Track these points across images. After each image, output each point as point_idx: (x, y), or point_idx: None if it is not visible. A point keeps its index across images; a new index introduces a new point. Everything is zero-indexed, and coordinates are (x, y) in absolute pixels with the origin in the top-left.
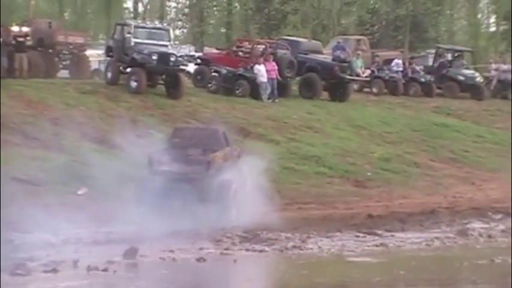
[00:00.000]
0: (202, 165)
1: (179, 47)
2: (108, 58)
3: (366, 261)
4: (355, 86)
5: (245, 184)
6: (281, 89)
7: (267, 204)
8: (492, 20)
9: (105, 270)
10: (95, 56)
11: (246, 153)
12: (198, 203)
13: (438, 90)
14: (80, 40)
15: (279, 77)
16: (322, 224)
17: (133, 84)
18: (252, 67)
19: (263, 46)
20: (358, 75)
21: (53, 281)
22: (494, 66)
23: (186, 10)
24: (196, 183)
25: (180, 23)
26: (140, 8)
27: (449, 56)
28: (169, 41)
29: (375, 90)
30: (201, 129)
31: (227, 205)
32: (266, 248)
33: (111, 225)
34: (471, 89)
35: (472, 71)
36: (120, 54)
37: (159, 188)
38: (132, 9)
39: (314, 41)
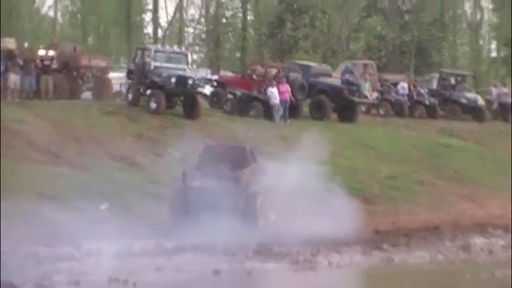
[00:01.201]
0: (232, 180)
1: (196, 70)
2: (129, 81)
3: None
4: (363, 108)
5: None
6: (292, 111)
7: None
8: (493, 45)
9: (125, 282)
10: (117, 78)
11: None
12: (228, 215)
13: (442, 112)
14: (102, 64)
15: (292, 98)
16: (331, 239)
17: (153, 105)
18: (265, 89)
19: (276, 70)
20: (365, 98)
21: None
22: (495, 89)
23: (203, 35)
24: (226, 198)
25: (197, 47)
26: (160, 33)
27: (452, 80)
28: (187, 64)
29: (381, 112)
30: (230, 146)
31: (255, 217)
32: (278, 261)
33: (133, 239)
34: (473, 111)
35: (474, 94)
36: (141, 77)
37: (192, 201)
38: (152, 35)
39: (324, 65)
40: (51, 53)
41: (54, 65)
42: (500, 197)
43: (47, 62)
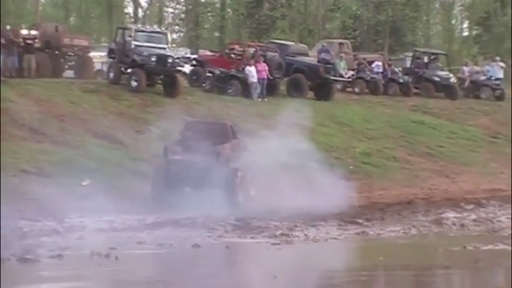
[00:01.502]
0: (213, 155)
1: (176, 50)
2: (111, 60)
3: (347, 248)
4: (339, 86)
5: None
6: (270, 89)
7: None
8: (465, 25)
9: (107, 256)
10: (98, 57)
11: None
12: (209, 190)
13: (415, 90)
14: (84, 43)
15: (269, 77)
16: (308, 214)
17: (134, 83)
18: (243, 68)
19: (254, 49)
20: (341, 76)
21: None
22: (466, 68)
23: (183, 15)
24: (206, 172)
25: (177, 27)
26: (140, 13)
27: (425, 59)
28: (167, 43)
29: (357, 90)
30: (211, 123)
31: (234, 192)
32: (256, 236)
33: (115, 214)
34: (446, 89)
35: (446, 73)
36: (122, 56)
37: (173, 176)
38: (132, 14)
39: (301, 45)
40: (34, 32)
41: (37, 44)
42: (471, 172)
43: (29, 42)
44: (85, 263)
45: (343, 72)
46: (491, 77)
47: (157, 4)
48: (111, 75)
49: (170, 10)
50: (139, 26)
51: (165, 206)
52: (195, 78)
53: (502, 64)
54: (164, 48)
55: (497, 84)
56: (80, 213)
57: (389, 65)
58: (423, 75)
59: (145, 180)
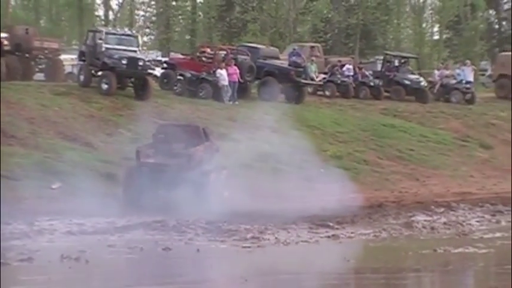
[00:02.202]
0: (185, 158)
1: (147, 52)
2: (81, 62)
3: (318, 250)
4: (310, 89)
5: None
6: (241, 92)
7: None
8: (436, 29)
9: (77, 259)
10: (69, 60)
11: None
12: (181, 193)
13: (386, 94)
14: (54, 45)
15: (240, 80)
16: (279, 217)
17: (104, 86)
18: (214, 71)
19: (225, 52)
20: (312, 79)
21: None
22: (437, 71)
23: (154, 18)
24: (179, 175)
25: (148, 30)
26: (111, 16)
27: (396, 62)
28: (137, 46)
29: (327, 93)
30: (183, 125)
31: (206, 194)
32: (226, 239)
33: (85, 217)
34: (416, 93)
35: (417, 76)
36: (92, 58)
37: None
38: (103, 17)
39: (272, 48)
40: (3, 35)
41: (7, 47)
42: (441, 176)
43: None
44: (55, 266)
45: (314, 76)
46: (461, 80)
47: (128, 7)
48: (82, 77)
49: (141, 13)
50: (110, 28)
51: (136, 209)
52: (166, 81)
53: (473, 67)
54: (135, 51)
55: (468, 88)
56: (50, 216)
57: (360, 69)
58: (394, 79)
59: (116, 183)
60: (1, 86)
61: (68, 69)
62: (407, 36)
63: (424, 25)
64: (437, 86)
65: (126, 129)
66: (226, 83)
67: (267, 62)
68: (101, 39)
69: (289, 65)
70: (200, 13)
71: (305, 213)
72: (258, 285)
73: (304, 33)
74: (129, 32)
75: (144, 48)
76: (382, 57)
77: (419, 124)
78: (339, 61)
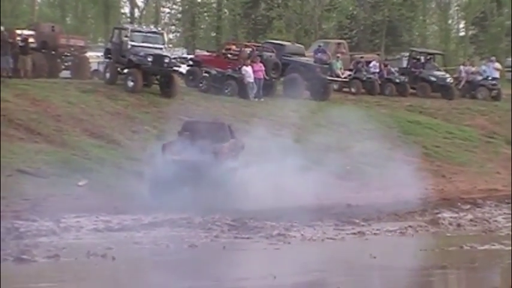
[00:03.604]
0: (211, 155)
1: (172, 50)
2: (107, 60)
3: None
4: (335, 86)
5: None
6: (266, 89)
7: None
8: (462, 25)
9: (103, 256)
10: (95, 57)
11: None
12: (206, 189)
13: (412, 90)
14: (80, 43)
15: (266, 77)
16: (305, 213)
17: (130, 83)
18: (239, 68)
19: (250, 49)
20: (337, 76)
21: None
22: (463, 68)
23: (179, 15)
24: (204, 172)
25: (173, 27)
26: (136, 13)
27: (422, 59)
28: (163, 44)
29: (353, 90)
30: (209, 122)
31: (232, 191)
32: (253, 236)
33: (111, 214)
34: (442, 89)
35: (442, 73)
36: (118, 56)
37: (171, 175)
38: (129, 14)
39: (297, 45)
40: (30, 32)
41: (33, 45)
42: (467, 172)
43: (24, 42)
44: (82, 263)
45: (339, 72)
46: (487, 77)
47: (154, 4)
48: (108, 75)
49: (167, 10)
50: (135, 26)
51: (162, 206)
52: (191, 78)
53: (498, 65)
54: (161, 49)
55: (494, 84)
56: (76, 213)
57: (386, 65)
58: (419, 75)
59: (142, 180)
60: (28, 84)
61: (93, 66)
62: (433, 33)
63: (449, 21)
64: (463, 83)
65: (152, 126)
66: (251, 80)
67: (292, 59)
68: (126, 36)
69: (315, 61)
70: (225, 10)
71: (331, 210)
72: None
73: (330, 30)
74: (154, 30)
75: (170, 45)
76: (407, 54)
77: (445, 121)
78: (361, 57)
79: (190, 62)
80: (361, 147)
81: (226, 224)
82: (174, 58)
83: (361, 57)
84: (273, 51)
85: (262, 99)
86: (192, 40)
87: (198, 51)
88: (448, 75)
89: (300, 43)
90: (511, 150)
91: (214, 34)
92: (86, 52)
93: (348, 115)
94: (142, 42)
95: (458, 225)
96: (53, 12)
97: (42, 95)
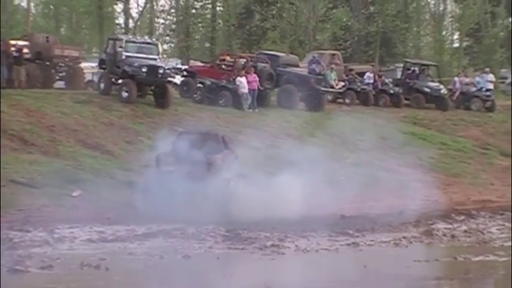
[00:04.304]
0: (205, 166)
1: (167, 60)
2: (101, 70)
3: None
4: (329, 97)
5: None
6: (261, 100)
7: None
8: (456, 36)
9: (97, 267)
10: (89, 68)
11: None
12: (200, 200)
13: (406, 101)
14: (75, 53)
15: (260, 87)
16: (299, 224)
17: (125, 94)
18: (234, 79)
19: (244, 60)
20: (332, 87)
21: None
22: (457, 79)
23: (173, 26)
24: (198, 183)
25: (167, 38)
26: (131, 24)
27: (416, 70)
28: (157, 54)
29: (347, 101)
30: (203, 133)
31: (226, 202)
32: (246, 247)
33: (105, 225)
34: (436, 100)
35: (437, 84)
36: (112, 66)
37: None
38: (123, 25)
39: (291, 55)
40: (23, 43)
41: (28, 55)
42: (462, 183)
43: (18, 53)
44: (75, 274)
45: (333, 83)
46: (481, 88)
47: (148, 15)
48: (102, 85)
49: (161, 21)
50: (130, 36)
51: (156, 217)
52: (185, 89)
53: (492, 77)
54: (155, 59)
55: (488, 96)
56: (70, 224)
57: (380, 76)
58: (414, 86)
59: (136, 190)
60: (22, 94)
61: (88, 77)
62: (427, 44)
63: (444, 33)
64: (457, 94)
65: (146, 137)
66: (246, 90)
67: (286, 69)
68: (121, 47)
69: (309, 72)
70: (220, 21)
71: (324, 221)
72: None
73: (324, 41)
74: (149, 40)
75: (164, 56)
76: (402, 65)
77: (439, 132)
78: (351, 69)
79: (185, 73)
80: (355, 158)
81: (220, 234)
82: (169, 69)
83: (351, 70)
84: (267, 62)
85: (256, 110)
86: (187, 51)
87: (193, 62)
88: (442, 86)
89: (294, 54)
90: (511, 162)
91: (209, 45)
92: (80, 63)
93: (342, 126)
94: (137, 52)
95: (452, 236)
96: (47, 22)
97: (36, 106)
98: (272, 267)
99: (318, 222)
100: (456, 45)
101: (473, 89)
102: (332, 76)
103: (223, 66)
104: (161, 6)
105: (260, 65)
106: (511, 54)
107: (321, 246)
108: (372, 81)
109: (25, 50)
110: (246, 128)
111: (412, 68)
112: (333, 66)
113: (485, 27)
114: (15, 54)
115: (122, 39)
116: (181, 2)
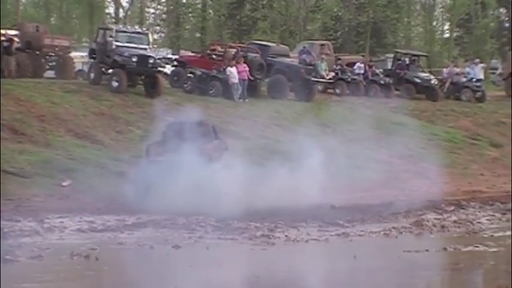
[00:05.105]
0: (195, 156)
1: (157, 50)
2: (91, 60)
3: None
4: (320, 87)
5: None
6: (251, 90)
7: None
8: (446, 27)
9: (87, 257)
10: (79, 57)
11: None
12: (189, 189)
13: (396, 92)
14: (65, 43)
15: (250, 77)
16: (289, 214)
17: (115, 84)
18: (224, 69)
19: (235, 50)
20: (322, 77)
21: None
22: (447, 69)
23: (164, 16)
24: (188, 173)
25: (158, 27)
26: (121, 14)
27: (406, 60)
28: (148, 44)
29: (338, 91)
30: (193, 123)
31: (216, 192)
32: (237, 237)
33: (95, 215)
34: (426, 91)
35: (427, 74)
36: (103, 56)
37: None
38: (113, 15)
39: (282, 46)
40: (14, 32)
41: (18, 45)
42: (452, 174)
43: (8, 43)
44: (65, 264)
45: (324, 74)
46: (472, 78)
47: (139, 4)
48: (92, 75)
49: (151, 10)
50: (120, 26)
51: (146, 207)
52: (176, 79)
53: (482, 68)
54: (145, 49)
55: (478, 86)
56: (60, 214)
57: (370, 67)
58: (404, 77)
59: (126, 180)
60: (12, 84)
61: (78, 66)
62: (417, 34)
63: (434, 23)
64: (447, 84)
65: (136, 126)
66: (236, 80)
67: (277, 59)
68: (111, 36)
69: (299, 62)
70: (210, 11)
71: (315, 211)
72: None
73: (315, 31)
74: (139, 30)
75: (155, 45)
76: (392, 55)
77: (430, 122)
78: (339, 58)
79: (175, 63)
80: (345, 148)
81: (210, 224)
82: (159, 58)
83: (338, 59)
84: (257, 52)
85: (246, 100)
86: (177, 41)
87: (183, 52)
88: (432, 77)
89: (284, 44)
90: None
91: (199, 35)
92: (70, 52)
93: (333, 116)
94: (127, 42)
95: (442, 226)
96: (37, 12)
97: (26, 95)
98: (262, 258)
99: (308, 213)
100: (447, 35)
101: (464, 79)
102: (322, 66)
103: (213, 56)
104: None
105: (250, 55)
106: (500, 44)
107: (311, 236)
108: (362, 71)
109: (15, 40)
110: (237, 118)
111: (403, 59)
112: (323, 56)
113: (475, 17)
114: (5, 44)
115: (112, 29)
116: None
